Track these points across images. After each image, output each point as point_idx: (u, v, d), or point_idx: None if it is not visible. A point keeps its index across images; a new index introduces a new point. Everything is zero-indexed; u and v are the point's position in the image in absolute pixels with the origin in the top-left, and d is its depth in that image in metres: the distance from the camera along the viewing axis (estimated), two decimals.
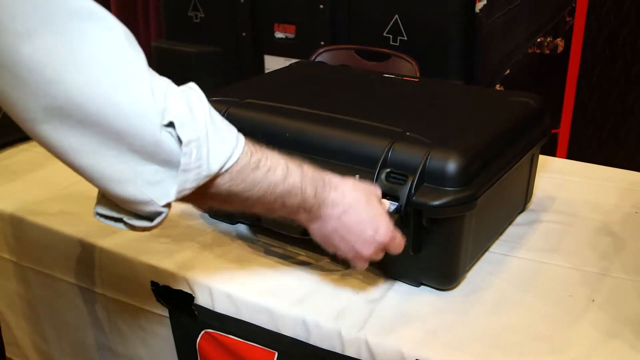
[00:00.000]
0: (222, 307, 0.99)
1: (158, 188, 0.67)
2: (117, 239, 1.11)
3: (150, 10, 3.32)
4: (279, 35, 2.66)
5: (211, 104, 0.73)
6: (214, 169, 0.69)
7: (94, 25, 0.62)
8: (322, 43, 2.47)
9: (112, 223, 0.73)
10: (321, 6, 2.47)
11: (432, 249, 0.92)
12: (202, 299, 1.00)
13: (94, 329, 1.19)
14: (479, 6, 2.09)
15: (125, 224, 0.73)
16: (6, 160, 1.46)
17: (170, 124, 0.65)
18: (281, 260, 1.05)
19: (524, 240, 1.10)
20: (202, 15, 2.81)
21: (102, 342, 1.19)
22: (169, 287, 1.03)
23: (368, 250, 0.84)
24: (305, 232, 0.97)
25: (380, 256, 0.87)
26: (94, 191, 1.25)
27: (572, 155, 2.16)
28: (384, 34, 2.34)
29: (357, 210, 0.82)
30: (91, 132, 0.62)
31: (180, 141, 0.65)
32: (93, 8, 0.62)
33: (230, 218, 1.15)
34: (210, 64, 2.80)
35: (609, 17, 2.07)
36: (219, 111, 0.75)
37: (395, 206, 0.88)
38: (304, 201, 0.79)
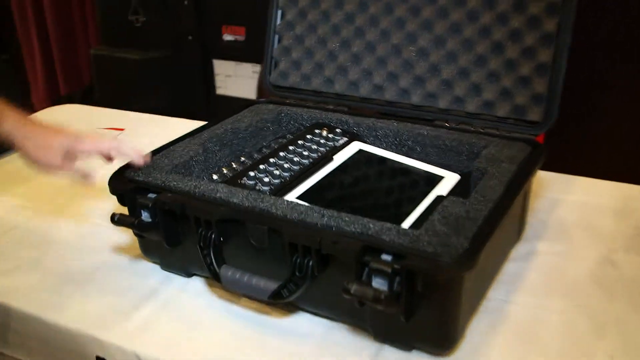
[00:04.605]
0: None
1: None
2: (53, 305, 0.94)
3: (87, 15, 3.09)
4: (227, 37, 2.48)
5: None
6: None
7: None
8: None
9: None
10: None
11: (427, 312, 0.77)
12: None
13: None
14: None
15: None
16: None
17: None
18: (246, 323, 0.90)
19: (521, 279, 0.97)
20: (144, 19, 2.60)
21: None
22: None
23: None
24: (274, 295, 0.83)
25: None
26: (26, 247, 1.06)
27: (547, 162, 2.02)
28: None
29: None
30: None
31: None
32: None
33: (186, 270, 0.99)
34: (156, 71, 2.60)
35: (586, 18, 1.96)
36: None
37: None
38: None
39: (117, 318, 0.92)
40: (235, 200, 0.87)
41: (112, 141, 0.97)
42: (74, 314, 0.93)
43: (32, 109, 3.63)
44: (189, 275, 1.00)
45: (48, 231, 1.15)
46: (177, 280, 1.00)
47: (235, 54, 2.48)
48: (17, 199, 1.27)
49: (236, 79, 2.53)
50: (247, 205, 0.87)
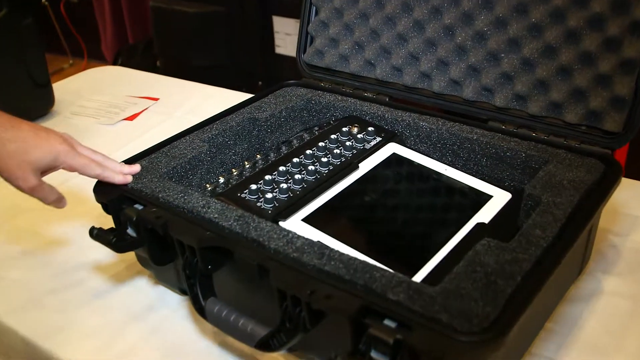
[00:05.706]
0: None
1: None
2: (33, 320, 0.85)
3: None
4: None
5: None
6: None
7: None
8: None
9: None
10: None
11: None
12: None
13: None
14: None
15: None
16: None
17: None
18: None
19: (577, 328, 0.79)
20: None
21: None
22: None
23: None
24: (261, 344, 0.69)
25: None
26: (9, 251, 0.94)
27: (631, 164, 1.71)
28: None
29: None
30: None
31: None
32: None
33: (180, 287, 0.87)
34: (213, 25, 2.46)
35: None
36: None
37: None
38: None
39: (100, 342, 0.81)
40: (225, 224, 0.73)
41: (98, 168, 0.81)
42: (52, 333, 0.83)
43: (103, 58, 3.59)
44: (184, 293, 0.88)
45: (36, 233, 1.04)
46: (172, 298, 0.88)
47: (297, 11, 2.30)
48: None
49: (296, 39, 2.35)
50: (237, 231, 0.72)
